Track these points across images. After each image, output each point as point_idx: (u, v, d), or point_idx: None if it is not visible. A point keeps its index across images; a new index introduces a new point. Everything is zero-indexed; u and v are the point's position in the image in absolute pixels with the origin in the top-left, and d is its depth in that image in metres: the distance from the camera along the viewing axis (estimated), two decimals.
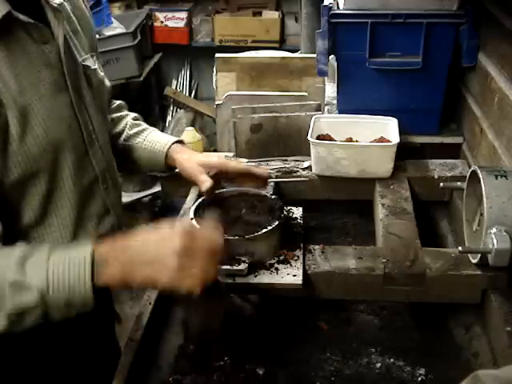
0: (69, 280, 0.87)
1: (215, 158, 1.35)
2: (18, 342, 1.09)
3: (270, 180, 1.66)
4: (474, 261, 1.26)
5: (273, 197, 1.44)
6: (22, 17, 0.98)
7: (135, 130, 1.36)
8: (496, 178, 1.21)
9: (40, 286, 0.86)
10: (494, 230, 1.18)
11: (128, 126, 1.37)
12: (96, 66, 1.20)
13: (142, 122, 1.40)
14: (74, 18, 1.15)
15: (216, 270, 0.99)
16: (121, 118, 1.38)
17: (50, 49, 1.04)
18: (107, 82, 1.33)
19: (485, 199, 1.19)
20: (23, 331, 0.91)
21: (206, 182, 1.28)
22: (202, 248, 0.93)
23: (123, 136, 1.36)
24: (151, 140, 1.34)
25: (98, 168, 1.16)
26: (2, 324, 0.87)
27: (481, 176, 1.22)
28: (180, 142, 1.38)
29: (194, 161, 1.31)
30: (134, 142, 1.35)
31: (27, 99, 0.96)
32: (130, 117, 1.39)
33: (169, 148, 1.33)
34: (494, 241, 1.16)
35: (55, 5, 1.06)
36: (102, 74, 1.26)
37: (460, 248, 1.25)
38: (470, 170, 1.32)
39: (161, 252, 0.91)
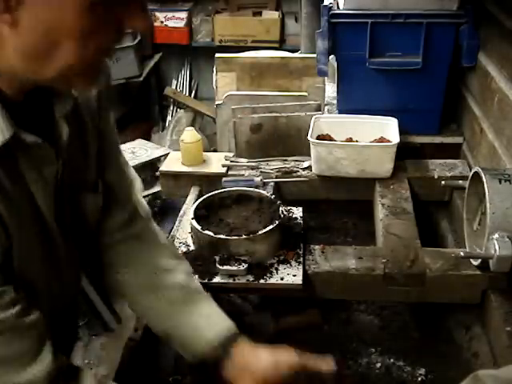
0: None
1: (285, 357, 1.01)
2: None
3: (270, 180, 1.67)
4: (475, 263, 1.26)
5: (273, 197, 1.44)
6: (29, 138, 0.78)
7: (182, 296, 1.03)
8: (500, 183, 1.19)
9: None
10: (496, 235, 1.16)
11: (178, 289, 1.03)
12: (97, 193, 0.97)
13: (199, 288, 1.07)
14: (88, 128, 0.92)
15: None
16: (171, 271, 1.04)
17: (48, 172, 0.84)
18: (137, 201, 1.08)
19: (488, 204, 1.17)
20: None
21: None
22: None
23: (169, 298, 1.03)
24: (207, 315, 1.03)
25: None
26: None
27: (484, 180, 1.20)
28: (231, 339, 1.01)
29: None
30: (177, 312, 1.02)
31: (10, 238, 0.80)
32: (182, 274, 1.05)
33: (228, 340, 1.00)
34: (496, 247, 1.15)
35: (58, 115, 0.83)
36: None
37: (462, 253, 1.25)
38: (473, 171, 1.31)
39: None
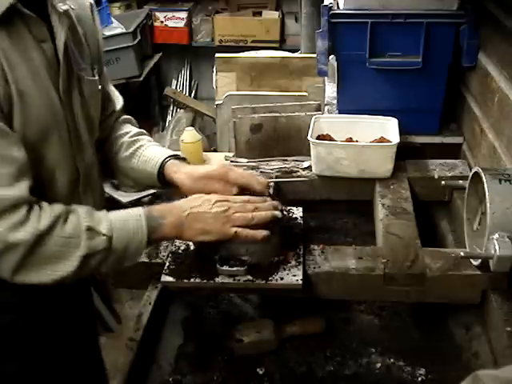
0: (129, 231, 1.06)
1: (214, 167, 1.29)
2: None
3: (270, 180, 1.67)
4: (475, 263, 1.26)
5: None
6: (25, 10, 1.01)
7: (131, 150, 1.31)
8: (500, 183, 1.19)
9: (108, 233, 1.03)
10: (496, 235, 1.16)
11: (124, 147, 1.32)
12: (95, 77, 1.20)
13: (141, 138, 1.35)
14: (79, 28, 1.17)
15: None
16: (119, 137, 1.34)
17: (46, 47, 1.06)
18: (115, 96, 1.36)
19: (488, 204, 1.17)
20: None
21: None
22: (238, 205, 1.17)
23: (119, 156, 1.32)
24: (143, 160, 1.30)
25: (81, 170, 1.17)
26: (73, 264, 1.01)
27: (484, 180, 1.20)
28: (174, 156, 1.32)
29: (194, 177, 1.26)
30: (130, 163, 1.31)
31: (24, 86, 1.00)
32: (128, 135, 1.34)
33: (160, 167, 1.28)
34: (496, 247, 1.15)
35: (61, 10, 1.08)
36: (109, 88, 1.32)
37: (462, 253, 1.25)
38: (473, 171, 1.31)
39: (209, 222, 1.14)
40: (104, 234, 1.03)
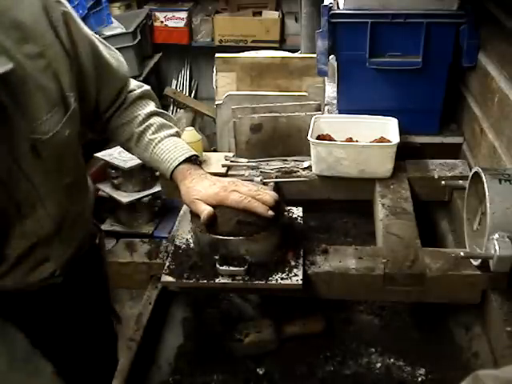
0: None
1: (217, 190, 1.23)
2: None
3: (270, 180, 1.67)
4: (475, 263, 1.26)
5: None
6: None
7: (143, 143, 1.27)
8: (500, 183, 1.19)
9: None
10: (496, 235, 1.16)
11: (135, 138, 1.27)
12: (56, 129, 1.01)
13: (149, 127, 1.27)
14: (35, 75, 0.96)
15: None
16: (127, 124, 1.27)
17: None
18: (115, 78, 1.23)
19: (488, 204, 1.17)
20: None
21: (204, 211, 1.21)
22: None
23: (131, 146, 1.29)
24: (155, 160, 1.27)
25: (42, 233, 1.06)
26: None
27: (484, 180, 1.20)
28: (188, 159, 1.28)
29: (192, 196, 1.23)
30: (143, 156, 1.29)
31: None
32: (136, 123, 1.27)
33: (173, 171, 1.26)
34: (497, 247, 1.15)
35: None
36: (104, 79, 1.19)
37: (462, 253, 1.25)
38: (473, 170, 1.31)
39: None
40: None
